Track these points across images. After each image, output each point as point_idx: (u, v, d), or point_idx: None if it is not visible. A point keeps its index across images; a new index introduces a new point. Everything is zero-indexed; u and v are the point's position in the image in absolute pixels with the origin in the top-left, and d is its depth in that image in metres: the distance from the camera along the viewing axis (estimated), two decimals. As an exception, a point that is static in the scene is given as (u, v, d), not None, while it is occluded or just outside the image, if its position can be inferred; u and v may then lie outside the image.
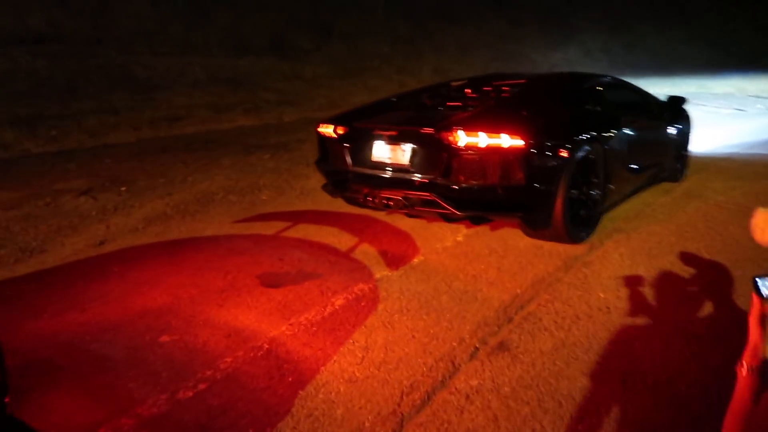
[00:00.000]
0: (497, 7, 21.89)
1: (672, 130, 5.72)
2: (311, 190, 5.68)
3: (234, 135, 8.94)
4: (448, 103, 4.44)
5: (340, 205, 4.80)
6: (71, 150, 7.43)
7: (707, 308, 3.09)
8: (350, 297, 3.22)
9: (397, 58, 17.40)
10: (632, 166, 4.80)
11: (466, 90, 4.85)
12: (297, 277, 3.51)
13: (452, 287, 3.35)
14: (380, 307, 3.10)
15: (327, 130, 4.35)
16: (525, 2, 23.61)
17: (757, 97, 22.58)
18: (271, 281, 3.46)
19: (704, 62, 26.44)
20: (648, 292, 3.29)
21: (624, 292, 3.27)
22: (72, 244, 4.29)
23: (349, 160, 4.22)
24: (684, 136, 6.14)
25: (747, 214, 4.32)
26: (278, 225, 4.64)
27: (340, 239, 4.25)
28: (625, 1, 27.51)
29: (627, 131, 4.66)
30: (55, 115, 8.41)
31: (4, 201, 5.32)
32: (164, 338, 2.79)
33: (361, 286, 3.38)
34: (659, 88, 17.85)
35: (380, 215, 4.72)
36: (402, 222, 4.58)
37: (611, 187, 4.40)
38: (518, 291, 3.29)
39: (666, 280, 3.46)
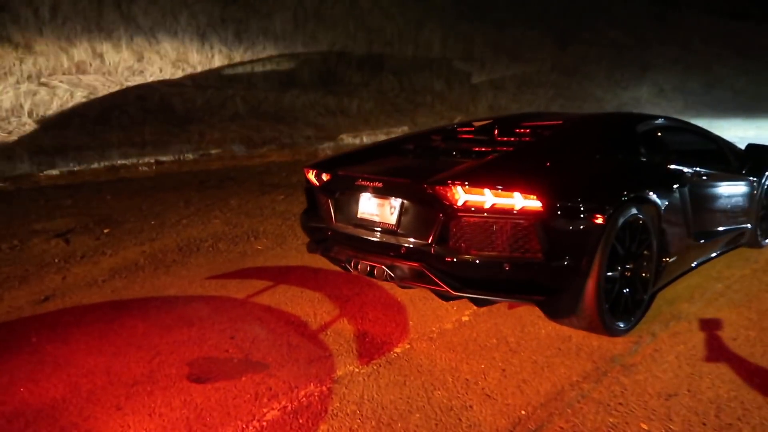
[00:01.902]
0: (563, 43, 20.86)
1: (754, 187, 4.61)
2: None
3: (258, 172, 8.40)
4: (458, 149, 3.59)
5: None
6: (81, 184, 7.07)
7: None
8: (289, 407, 2.39)
9: (452, 95, 16.68)
10: (699, 232, 3.76)
11: (485, 133, 4.00)
12: (237, 368, 2.73)
13: (432, 399, 2.46)
14: (323, 428, 2.25)
15: (311, 176, 3.60)
16: (594, 38, 22.45)
17: None
18: (202, 372, 2.69)
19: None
20: (716, 422, 2.28)
21: (676, 425, 2.28)
22: (12, 298, 3.70)
23: (332, 214, 3.44)
24: (769, 192, 4.99)
25: None
26: (256, 285, 3.90)
27: (317, 310, 3.45)
28: (704, 38, 25.78)
29: (692, 188, 3.66)
30: (80, 146, 8.16)
31: (-21, 240, 4.88)
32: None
33: (311, 388, 2.54)
34: (743, 131, 16.21)
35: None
36: (400, 290, 3.73)
37: (668, 260, 3.39)
38: (522, 413, 2.36)
39: (743, 401, 2.43)
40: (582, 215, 2.78)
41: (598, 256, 2.82)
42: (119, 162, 8.03)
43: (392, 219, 3.08)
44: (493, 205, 2.71)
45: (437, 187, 2.83)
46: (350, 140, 10.92)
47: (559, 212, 2.70)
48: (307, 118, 12.16)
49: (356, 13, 15.25)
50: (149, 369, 2.72)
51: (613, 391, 2.54)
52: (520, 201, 2.67)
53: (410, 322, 3.27)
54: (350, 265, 3.28)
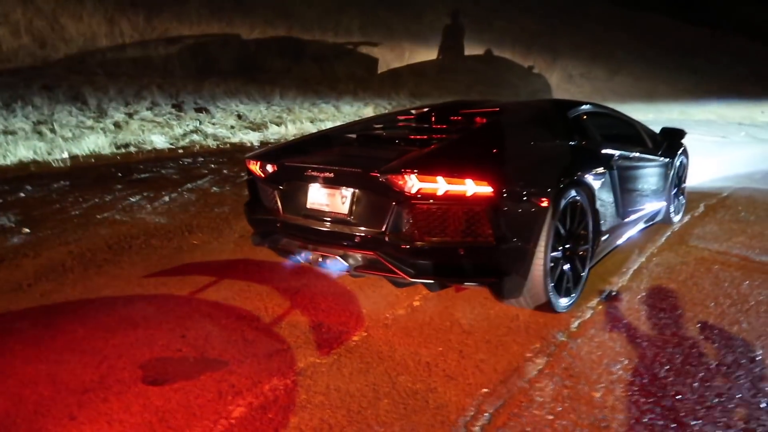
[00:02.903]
0: (478, 32, 21.42)
1: (667, 167, 4.99)
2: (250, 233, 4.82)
3: (184, 164, 8.08)
4: (402, 137, 3.63)
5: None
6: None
7: (738, 413, 2.29)
8: (255, 402, 2.36)
9: (374, 82, 16.73)
10: (626, 211, 4.03)
11: (425, 120, 4.07)
12: (194, 367, 2.65)
13: (397, 384, 2.51)
14: (294, 421, 2.25)
15: (255, 167, 3.53)
16: (507, 27, 23.21)
17: (739, 124, 22.34)
18: (157, 374, 2.59)
19: (686, 89, 26.25)
20: (653, 388, 2.47)
21: (622, 390, 2.46)
22: (-74, 309, 3.38)
23: (279, 205, 3.39)
24: (681, 173, 5.43)
25: (756, 269, 3.51)
26: (198, 281, 3.78)
27: (267, 303, 3.40)
28: (609, 27, 27.32)
29: (619, 170, 3.90)
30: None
31: None
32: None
33: (275, 382, 2.52)
34: (643, 114, 17.39)
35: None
36: (349, 278, 3.74)
37: (601, 238, 3.62)
38: (485, 390, 2.46)
39: (676, 366, 2.65)
40: (529, 199, 2.90)
41: (544, 237, 2.96)
42: (28, 156, 7.45)
43: (344, 208, 3.08)
44: (446, 192, 2.78)
45: (390, 176, 2.86)
46: (276, 129, 10.71)
47: (508, 197, 2.81)
48: (228, 106, 11.80)
49: (274, -2, 14.90)
50: (98, 374, 2.58)
51: (564, 364, 2.70)
52: (472, 187, 2.75)
53: (363, 310, 3.30)
54: (301, 257, 3.26)
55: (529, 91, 20.71)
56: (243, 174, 7.38)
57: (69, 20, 11.34)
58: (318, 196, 3.20)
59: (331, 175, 3.11)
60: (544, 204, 2.94)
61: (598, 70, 25.88)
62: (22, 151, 7.58)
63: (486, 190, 2.76)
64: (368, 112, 13.66)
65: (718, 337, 3.01)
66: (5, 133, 8.30)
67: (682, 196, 5.52)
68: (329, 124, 11.66)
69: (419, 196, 2.81)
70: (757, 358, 2.78)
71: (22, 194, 6.02)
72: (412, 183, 2.81)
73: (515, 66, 22.38)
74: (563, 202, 3.08)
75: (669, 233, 5.00)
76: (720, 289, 3.71)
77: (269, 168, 3.45)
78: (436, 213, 2.83)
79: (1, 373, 2.61)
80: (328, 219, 3.15)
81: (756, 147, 14.42)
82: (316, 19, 16.57)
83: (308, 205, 3.24)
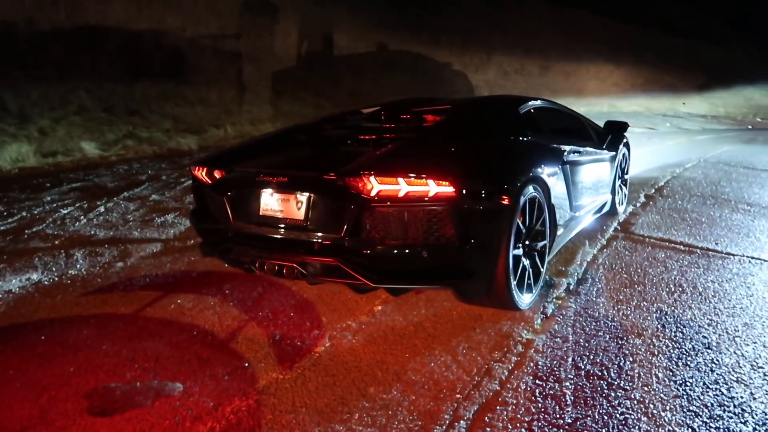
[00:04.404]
0: (415, 28, 21.51)
1: (612, 160, 5.10)
2: (198, 244, 4.59)
3: (117, 171, 7.65)
4: (356, 137, 3.52)
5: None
6: None
7: (704, 399, 2.32)
8: (218, 427, 2.20)
9: (313, 81, 16.49)
10: (578, 204, 4.08)
11: (378, 120, 3.97)
12: (145, 393, 2.45)
13: (367, 396, 2.40)
14: (260, 444, 2.10)
15: (202, 174, 3.33)
16: (443, 24, 23.42)
17: (664, 115, 23.47)
18: (105, 403, 2.38)
19: (614, 83, 27.36)
20: (622, 381, 2.48)
21: (591, 386, 2.45)
22: None
23: (230, 213, 3.20)
24: (624, 165, 5.58)
25: (701, 255, 3.61)
26: (142, 297, 3.54)
27: (221, 316, 3.22)
28: (540, 23, 28.06)
29: (571, 164, 3.95)
30: None
31: None
32: None
33: (237, 403, 2.36)
34: (575, 108, 18.00)
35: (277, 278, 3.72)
36: (305, 286, 3.60)
37: (557, 233, 3.63)
38: (458, 396, 2.39)
39: (641, 357, 2.67)
40: (490, 198, 2.86)
41: (506, 235, 2.93)
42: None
43: (300, 214, 2.95)
44: (407, 193, 2.69)
45: (348, 179, 2.75)
46: (215, 131, 10.35)
47: (470, 196, 2.75)
48: (163, 109, 11.31)
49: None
50: (38, 408, 2.34)
51: (532, 363, 2.67)
52: (434, 188, 2.68)
53: (323, 319, 3.17)
54: (255, 266, 3.10)
55: (467, 87, 21.01)
56: (183, 180, 7.07)
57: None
58: (271, 202, 3.05)
59: (285, 179, 2.96)
60: (506, 202, 2.91)
61: (531, 66, 26.56)
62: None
63: (448, 190, 2.69)
64: (309, 112, 13.44)
65: (676, 324, 3.07)
66: None
67: (625, 188, 5.68)
68: (270, 126, 11.39)
69: (379, 198, 2.72)
70: (712, 345, 2.85)
71: (-63, 210, 5.52)
72: (372, 185, 2.71)
73: (453, 63, 22.64)
74: (523, 199, 3.06)
75: (615, 224, 5.12)
76: (670, 276, 3.81)
77: (216, 174, 3.27)
78: (397, 215, 2.74)
79: (-77, 415, 2.33)
80: (283, 226, 3.01)
81: (682, 136, 15.17)
82: (250, 19, 16.17)
83: (261, 212, 3.08)
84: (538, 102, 4.28)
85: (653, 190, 6.68)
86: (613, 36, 32.77)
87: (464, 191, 2.73)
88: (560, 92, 22.45)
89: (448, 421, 2.21)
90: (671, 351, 2.79)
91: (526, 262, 3.21)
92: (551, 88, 23.18)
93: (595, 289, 3.58)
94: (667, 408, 2.30)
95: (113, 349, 2.85)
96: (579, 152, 4.21)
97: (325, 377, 2.56)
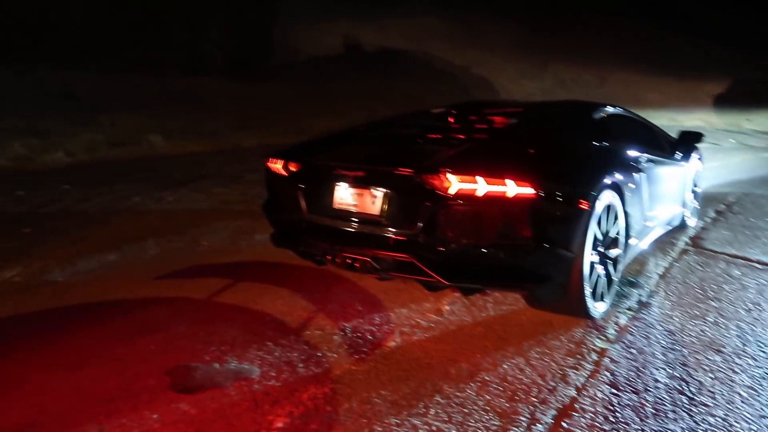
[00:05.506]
0: (471, 35, 21.44)
1: (685, 171, 4.94)
2: (264, 235, 4.68)
3: (183, 162, 7.90)
4: (429, 136, 3.52)
5: (296, 256, 3.80)
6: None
7: (796, 430, 2.21)
8: (296, 412, 2.23)
9: (373, 82, 16.60)
10: (651, 214, 3.97)
11: (450, 120, 3.97)
12: (224, 374, 2.51)
13: (442, 392, 2.40)
14: (339, 432, 2.13)
15: (277, 166, 3.40)
16: (498, 31, 23.28)
17: (727, 131, 22.62)
18: (186, 382, 2.45)
19: (675, 96, 26.53)
20: (702, 397, 2.39)
21: (671, 398, 2.37)
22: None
23: (303, 205, 3.26)
24: (696, 178, 5.40)
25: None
26: (213, 283, 3.63)
27: (290, 307, 3.27)
28: (598, 33, 27.53)
29: (645, 172, 3.84)
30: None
31: None
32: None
33: (313, 390, 2.40)
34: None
35: (344, 271, 3.75)
36: (372, 281, 3.63)
37: (631, 242, 3.54)
38: (533, 400, 2.36)
39: (721, 373, 2.57)
40: (570, 201, 2.81)
41: (583, 240, 2.88)
42: (26, 153, 7.23)
43: (374, 209, 2.97)
44: (486, 193, 2.67)
45: (427, 175, 2.75)
46: (272, 128, 10.56)
47: (549, 199, 2.72)
48: (222, 105, 11.60)
49: None
50: (124, 382, 2.44)
51: (610, 370, 2.61)
52: (514, 188, 2.66)
53: (391, 315, 3.19)
54: (327, 258, 3.13)
55: (523, 95, 20.75)
56: (246, 174, 7.23)
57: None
58: (346, 196, 3.08)
59: (362, 173, 2.99)
60: (585, 206, 2.86)
61: (588, 75, 26.05)
62: (15, 147, 7.36)
63: (527, 191, 2.66)
64: (362, 113, 13.54)
65: (758, 344, 2.94)
66: (63, 131, 8.05)
67: (696, 201, 5.49)
68: (325, 125, 11.52)
69: (457, 196, 2.71)
70: (801, 366, 2.72)
71: (21, 192, 5.82)
72: (450, 183, 2.70)
73: (507, 71, 22.43)
74: (601, 205, 3.00)
75: (686, 238, 4.96)
76: (747, 293, 3.66)
77: (291, 166, 3.32)
78: (475, 215, 2.73)
79: (18, 380, 2.46)
80: (357, 220, 3.03)
81: (747, 153, 14.56)
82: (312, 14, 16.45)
83: (334, 205, 3.11)
84: (612, 108, 4.19)
85: (723, 206, 6.43)
86: (674, 48, 31.83)
87: (544, 193, 2.69)
88: (619, 103, 21.89)
89: (525, 424, 2.18)
90: (754, 370, 2.68)
91: (600, 269, 3.14)
92: (610, 98, 22.62)
93: (668, 303, 3.47)
94: (754, 429, 2.21)
95: (189, 331, 2.94)
96: (653, 161, 4.10)
97: (398, 371, 2.56)
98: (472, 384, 2.47)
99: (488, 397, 2.36)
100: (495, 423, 2.18)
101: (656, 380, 2.54)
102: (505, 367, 2.62)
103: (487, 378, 2.52)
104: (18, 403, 2.28)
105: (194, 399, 2.31)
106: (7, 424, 2.15)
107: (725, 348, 2.88)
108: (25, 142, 7.45)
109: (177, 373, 2.51)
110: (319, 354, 2.72)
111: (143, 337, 2.86)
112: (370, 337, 2.90)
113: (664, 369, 2.64)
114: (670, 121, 22.72)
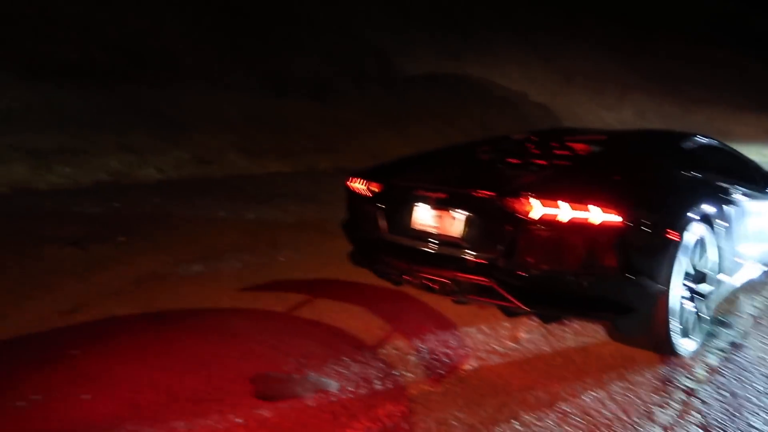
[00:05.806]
0: (547, 63, 21.24)
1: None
2: (340, 254, 4.78)
3: (263, 181, 8.23)
4: (511, 161, 3.52)
5: (371, 275, 3.85)
6: (81, 189, 6.80)
7: None
8: (374, 428, 2.26)
9: (447, 109, 16.71)
10: (744, 251, 3.76)
11: (532, 145, 3.94)
12: (302, 385, 2.57)
13: (519, 419, 2.35)
14: (416, 451, 2.13)
15: (358, 185, 3.48)
16: (575, 58, 22.91)
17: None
18: (267, 389, 2.53)
19: (766, 129, 25.09)
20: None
21: (774, 450, 2.22)
22: (36, 309, 3.47)
23: (383, 225, 3.32)
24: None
25: None
26: (291, 298, 3.74)
27: (366, 325, 3.32)
28: (680, 63, 26.58)
29: (737, 206, 3.65)
30: (73, 150, 7.85)
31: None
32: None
33: (389, 407, 2.41)
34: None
35: (419, 292, 3.76)
36: (446, 304, 3.62)
37: (722, 279, 3.37)
38: (616, 435, 2.27)
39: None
40: (658, 231, 2.73)
41: (671, 273, 2.77)
42: (117, 168, 7.76)
43: (454, 231, 2.98)
44: (571, 219, 2.64)
45: (510, 199, 2.75)
46: (347, 153, 10.82)
47: (637, 228, 2.65)
48: (302, 127, 12.01)
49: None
50: (209, 385, 2.54)
51: (700, 412, 2.47)
52: (600, 216, 2.60)
53: (467, 339, 3.17)
54: (405, 278, 3.17)
55: (602, 125, 20.24)
56: (322, 195, 7.43)
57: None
58: (426, 217, 3.11)
59: (444, 195, 3.03)
60: (674, 237, 2.76)
61: (669, 107, 25.13)
62: (113, 162, 7.90)
63: (614, 218, 2.60)
64: (436, 138, 13.63)
65: None
66: (152, 147, 8.65)
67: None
68: (398, 150, 11.68)
69: (540, 222, 2.68)
70: None
71: (117, 204, 6.24)
72: (533, 208, 2.68)
73: (584, 101, 21.98)
74: (692, 237, 2.88)
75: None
76: None
77: (373, 186, 3.40)
78: (558, 241, 2.69)
79: (114, 377, 2.61)
80: (436, 241, 3.06)
81: None
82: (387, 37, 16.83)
83: (415, 226, 3.15)
84: (703, 138, 4.04)
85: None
86: (763, 80, 30.23)
87: (631, 222, 2.62)
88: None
89: (609, 459, 2.11)
90: None
91: (689, 305, 3.00)
92: (693, 130, 21.73)
93: (763, 346, 3.26)
94: None
95: (269, 342, 3.04)
96: (746, 194, 3.89)
97: (474, 395, 2.54)
98: (551, 413, 2.40)
99: (569, 429, 2.29)
100: (576, 456, 2.12)
101: (751, 426, 2.39)
102: (586, 399, 2.54)
103: (567, 409, 2.45)
104: (112, 400, 2.42)
105: (275, 407, 2.38)
106: (102, 417, 2.29)
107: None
108: (122, 158, 7.99)
109: (259, 381, 2.59)
110: (396, 372, 2.73)
111: (226, 345, 2.98)
112: (445, 360, 2.89)
113: (761, 416, 2.48)
114: (759, 156, 21.43)
